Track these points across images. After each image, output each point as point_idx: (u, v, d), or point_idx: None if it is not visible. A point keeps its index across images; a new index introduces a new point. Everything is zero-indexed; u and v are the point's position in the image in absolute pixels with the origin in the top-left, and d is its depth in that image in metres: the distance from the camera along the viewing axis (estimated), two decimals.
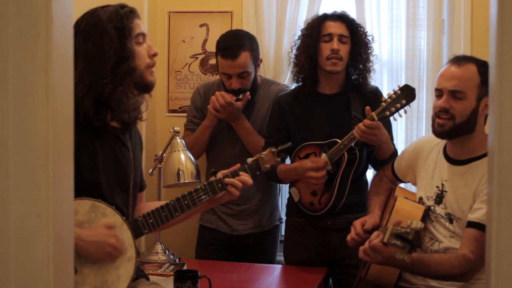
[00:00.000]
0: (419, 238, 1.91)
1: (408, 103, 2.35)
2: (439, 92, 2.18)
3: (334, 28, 2.64)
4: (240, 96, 2.83)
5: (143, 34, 1.90)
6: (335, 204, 2.60)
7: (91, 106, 1.82)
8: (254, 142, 2.89)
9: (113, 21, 1.84)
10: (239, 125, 2.90)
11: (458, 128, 2.15)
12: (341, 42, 2.63)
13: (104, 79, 1.82)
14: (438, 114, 2.17)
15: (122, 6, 1.89)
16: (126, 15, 1.86)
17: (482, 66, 2.15)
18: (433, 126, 2.21)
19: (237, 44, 2.81)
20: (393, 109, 2.35)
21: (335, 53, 2.61)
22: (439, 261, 2.05)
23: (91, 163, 1.85)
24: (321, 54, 2.64)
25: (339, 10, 2.73)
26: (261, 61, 2.97)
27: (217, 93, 2.86)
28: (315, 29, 2.67)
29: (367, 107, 2.41)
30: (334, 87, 2.72)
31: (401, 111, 2.37)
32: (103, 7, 1.88)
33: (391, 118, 2.44)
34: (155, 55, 1.92)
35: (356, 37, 2.67)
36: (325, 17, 2.69)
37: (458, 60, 2.19)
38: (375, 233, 2.05)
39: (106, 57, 1.82)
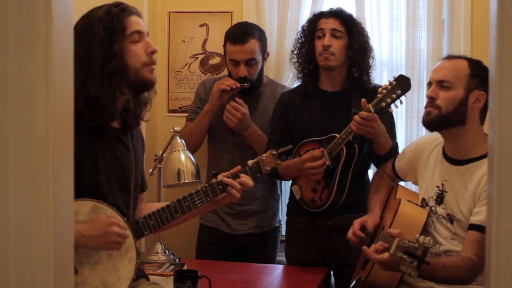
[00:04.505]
0: (427, 255, 1.89)
1: (403, 93, 2.35)
2: (429, 85, 2.23)
3: (327, 23, 2.66)
4: (245, 84, 2.84)
5: (139, 32, 1.88)
6: (335, 201, 2.60)
7: (84, 106, 1.81)
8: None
9: (103, 21, 1.83)
10: (251, 134, 2.90)
11: (444, 119, 2.16)
12: (334, 37, 2.65)
13: (91, 80, 1.82)
14: (426, 104, 2.21)
15: (116, 5, 1.88)
16: (117, 14, 1.85)
17: (474, 62, 2.20)
18: (423, 117, 2.24)
19: (247, 31, 2.86)
20: (388, 100, 2.35)
21: (326, 49, 2.63)
22: (448, 265, 2.04)
23: (92, 164, 1.85)
24: (316, 51, 2.67)
25: (336, 7, 2.74)
26: (268, 54, 2.99)
27: (217, 82, 2.88)
28: (309, 27, 2.71)
29: (363, 99, 2.41)
30: (336, 85, 2.73)
31: (397, 102, 2.38)
32: (100, 7, 1.88)
33: (393, 114, 2.45)
34: (153, 52, 1.90)
35: (352, 32, 2.67)
36: (321, 15, 2.72)
37: (451, 56, 2.26)
38: (380, 243, 2.05)
39: (94, 57, 1.82)
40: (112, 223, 1.80)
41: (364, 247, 2.10)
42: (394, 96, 2.35)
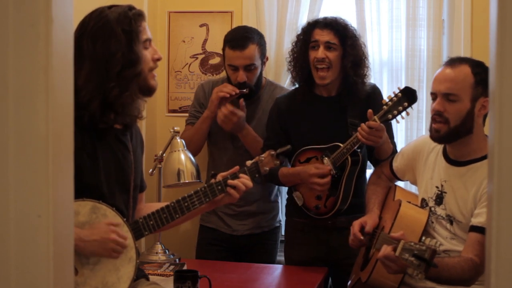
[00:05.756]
0: (434, 258, 1.89)
1: (410, 105, 2.35)
2: (434, 96, 2.19)
3: (321, 35, 2.63)
4: (245, 90, 2.83)
5: (149, 40, 1.90)
6: (341, 207, 2.61)
7: (97, 108, 1.81)
8: (259, 148, 2.88)
9: (122, 24, 1.82)
10: (245, 135, 2.89)
11: (454, 132, 2.14)
12: (328, 49, 2.62)
13: (111, 83, 1.81)
14: (433, 117, 2.17)
15: (131, 8, 1.87)
16: (135, 18, 1.85)
17: (476, 67, 2.15)
18: (430, 131, 2.22)
19: (246, 36, 2.84)
20: (395, 112, 2.36)
21: (320, 61, 2.61)
22: (451, 265, 2.03)
23: (92, 164, 1.85)
24: (310, 61, 2.66)
25: (334, 15, 2.71)
26: (267, 59, 2.98)
27: (216, 88, 2.87)
28: (304, 37, 2.69)
29: (370, 110, 2.40)
30: (332, 91, 2.72)
31: (403, 113, 2.37)
32: (110, 7, 1.86)
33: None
34: (158, 59, 1.92)
35: (346, 43, 2.63)
36: (315, 24, 2.68)
37: (452, 62, 2.19)
38: (384, 247, 2.04)
39: (114, 61, 1.81)
40: (111, 230, 1.80)
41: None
42: (400, 108, 2.35)
